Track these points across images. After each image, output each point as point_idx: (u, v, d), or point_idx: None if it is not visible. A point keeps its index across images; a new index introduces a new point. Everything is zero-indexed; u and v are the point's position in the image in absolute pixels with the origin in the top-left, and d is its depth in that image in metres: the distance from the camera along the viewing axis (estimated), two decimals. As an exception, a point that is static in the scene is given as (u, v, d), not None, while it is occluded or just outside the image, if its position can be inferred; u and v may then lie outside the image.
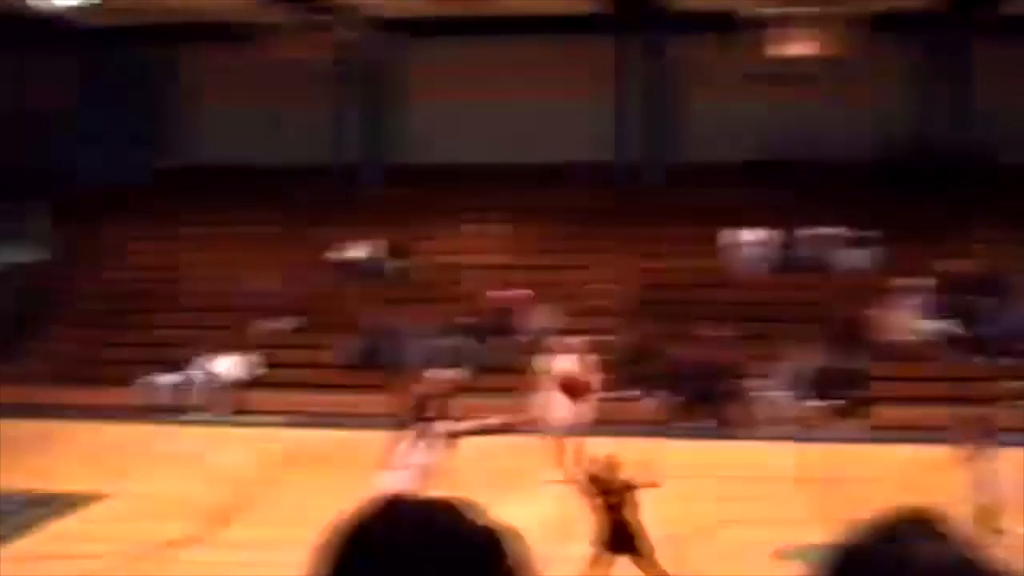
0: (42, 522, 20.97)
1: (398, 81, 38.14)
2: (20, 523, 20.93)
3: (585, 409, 23.70)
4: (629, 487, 14.96)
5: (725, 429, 28.30)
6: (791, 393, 29.01)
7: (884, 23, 31.77)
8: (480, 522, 2.19)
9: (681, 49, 36.06)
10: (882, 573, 1.99)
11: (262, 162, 37.70)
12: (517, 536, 2.23)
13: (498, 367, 31.40)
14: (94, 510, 21.78)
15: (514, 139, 36.61)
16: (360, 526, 2.16)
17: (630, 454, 16.06)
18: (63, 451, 26.41)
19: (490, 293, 32.71)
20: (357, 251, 35.12)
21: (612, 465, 15.07)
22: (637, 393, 29.52)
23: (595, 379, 24.60)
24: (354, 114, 38.37)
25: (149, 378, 31.17)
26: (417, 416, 18.10)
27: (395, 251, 34.95)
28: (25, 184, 37.39)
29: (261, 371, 31.74)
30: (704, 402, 29.00)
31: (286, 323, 33.50)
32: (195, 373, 31.35)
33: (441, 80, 36.94)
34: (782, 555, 18.07)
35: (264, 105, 37.74)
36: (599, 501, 15.10)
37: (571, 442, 22.77)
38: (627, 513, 14.93)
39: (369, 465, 24.11)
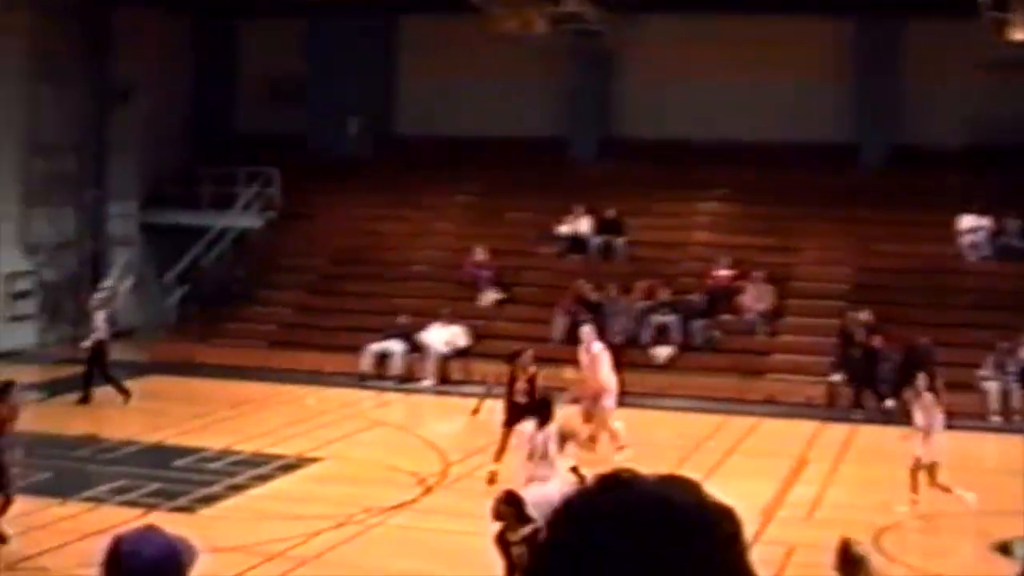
0: (258, 483, 21.60)
1: (616, 55, 38.12)
2: (237, 483, 21.59)
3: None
4: None
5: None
6: (1006, 382, 28.45)
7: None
8: (711, 499, 2.21)
9: (909, 32, 35.40)
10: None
11: (481, 133, 38.03)
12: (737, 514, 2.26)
13: (705, 347, 31.43)
14: (307, 472, 22.37)
15: (731, 117, 36.32)
16: (594, 501, 2.19)
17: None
18: (279, 414, 27.11)
19: (714, 272, 32.65)
20: (566, 225, 35.24)
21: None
22: (838, 378, 29.17)
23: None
24: (571, 86, 38.42)
25: (364, 345, 31.71)
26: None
27: (605, 226, 34.97)
28: (255, 151, 38.38)
29: (469, 342, 32.08)
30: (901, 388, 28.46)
31: (495, 295, 33.81)
32: (406, 342, 31.79)
33: (659, 55, 36.80)
34: (999, 547, 17.87)
35: (484, 77, 38.02)
36: None
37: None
38: None
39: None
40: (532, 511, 14.27)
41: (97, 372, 27.93)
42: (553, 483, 16.57)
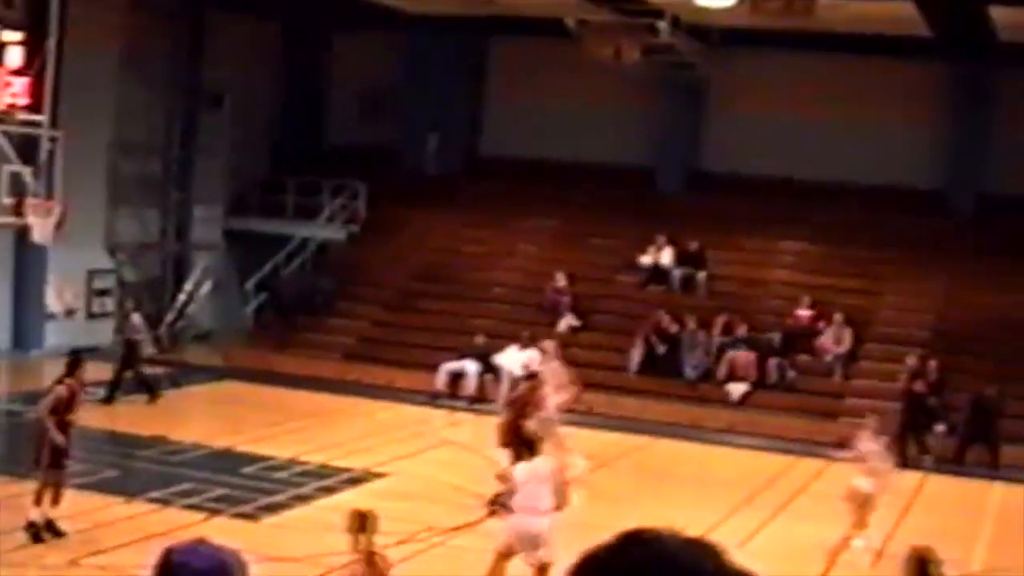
0: (323, 494, 21.59)
1: (707, 88, 38.00)
2: (303, 494, 21.60)
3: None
4: None
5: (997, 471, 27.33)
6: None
7: None
8: (733, 567, 2.16)
9: (1001, 79, 35.02)
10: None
11: (568, 158, 38.02)
12: None
13: (779, 386, 31.21)
14: (373, 487, 22.32)
15: (820, 156, 36.07)
16: (612, 558, 2.14)
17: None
18: (350, 427, 27.13)
19: (794, 311, 32.42)
20: (648, 256, 35.10)
21: None
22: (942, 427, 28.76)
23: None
24: (661, 117, 38.32)
25: (439, 363, 31.67)
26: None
27: (687, 258, 34.81)
28: (342, 162, 38.54)
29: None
30: (979, 441, 28.08)
31: (572, 321, 33.72)
32: (481, 363, 31.74)
33: (751, 91, 36.65)
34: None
35: (573, 102, 37.99)
36: None
37: None
38: None
39: (640, 473, 24.27)
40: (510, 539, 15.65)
41: (130, 372, 28.08)
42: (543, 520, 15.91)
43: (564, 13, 33.35)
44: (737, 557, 2.18)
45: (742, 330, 31.93)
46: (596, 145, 37.98)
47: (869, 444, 19.86)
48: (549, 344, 25.83)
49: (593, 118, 37.97)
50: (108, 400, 27.50)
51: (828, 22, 31.44)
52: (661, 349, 31.93)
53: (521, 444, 19.28)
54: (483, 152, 40.65)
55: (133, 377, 28.12)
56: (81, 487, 20.39)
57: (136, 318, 29.19)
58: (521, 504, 15.89)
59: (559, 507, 15.86)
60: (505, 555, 16.15)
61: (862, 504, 18.92)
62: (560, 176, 37.94)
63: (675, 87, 37.82)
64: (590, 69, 35.21)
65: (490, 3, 34.55)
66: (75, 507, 19.00)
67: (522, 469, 16.37)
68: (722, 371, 31.47)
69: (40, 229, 26.54)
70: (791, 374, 31.42)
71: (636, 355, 31.96)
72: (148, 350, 29.59)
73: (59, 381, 18.87)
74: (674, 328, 32.19)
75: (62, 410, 18.32)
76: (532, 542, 15.56)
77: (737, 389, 31.06)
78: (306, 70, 41.24)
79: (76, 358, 19.37)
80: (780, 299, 33.73)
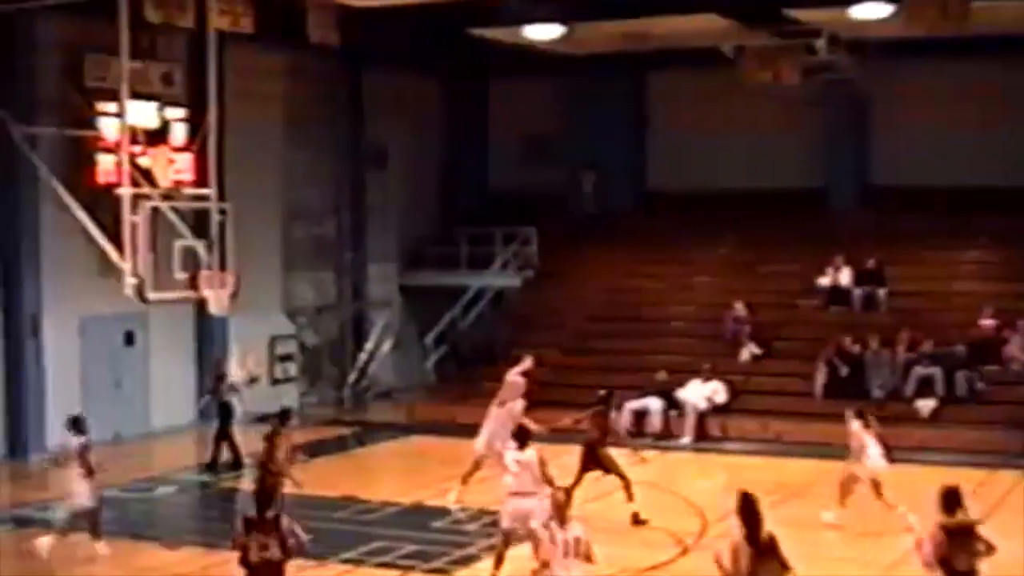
0: (513, 543, 21.44)
1: (872, 102, 37.48)
2: (495, 544, 21.48)
3: None
4: None
5: None
6: None
7: None
8: None
9: None
10: None
11: (737, 185, 37.75)
12: None
13: (969, 399, 30.52)
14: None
15: (992, 163, 35.34)
16: None
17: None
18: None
19: (978, 322, 31.70)
20: (827, 277, 34.61)
21: None
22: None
23: None
24: (827, 136, 37.87)
25: (621, 403, 31.44)
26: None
27: (866, 277, 34.24)
28: (510, 209, 38.67)
29: (728, 398, 31.71)
30: None
31: (754, 350, 33.36)
32: (664, 399, 31.51)
33: (916, 101, 36.07)
34: None
35: (737, 129, 37.74)
36: None
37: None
38: None
39: (831, 498, 23.82)
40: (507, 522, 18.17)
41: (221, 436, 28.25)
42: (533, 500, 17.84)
43: (721, 41, 33.17)
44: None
45: (927, 345, 31.30)
46: (763, 170, 37.66)
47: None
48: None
49: (758, 143, 37.68)
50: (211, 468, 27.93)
51: (983, 25, 30.77)
52: (844, 371, 31.43)
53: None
54: (650, 187, 40.50)
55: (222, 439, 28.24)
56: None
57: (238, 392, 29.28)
58: (515, 489, 18.19)
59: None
60: (506, 541, 18.35)
61: None
62: (730, 204, 37.70)
63: (837, 104, 37.36)
64: (751, 94, 34.93)
65: (647, 37, 34.41)
66: None
67: (512, 456, 18.44)
68: (909, 388, 30.86)
69: (216, 300, 26.89)
70: (980, 386, 30.70)
71: (820, 379, 31.52)
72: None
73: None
74: (856, 348, 31.69)
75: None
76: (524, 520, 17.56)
77: (926, 406, 30.43)
78: (467, 120, 41.52)
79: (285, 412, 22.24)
80: (962, 310, 32.95)
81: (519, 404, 23.79)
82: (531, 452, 18.51)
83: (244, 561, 13.27)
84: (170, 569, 20.26)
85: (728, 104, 37.12)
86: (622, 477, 23.12)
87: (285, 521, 13.54)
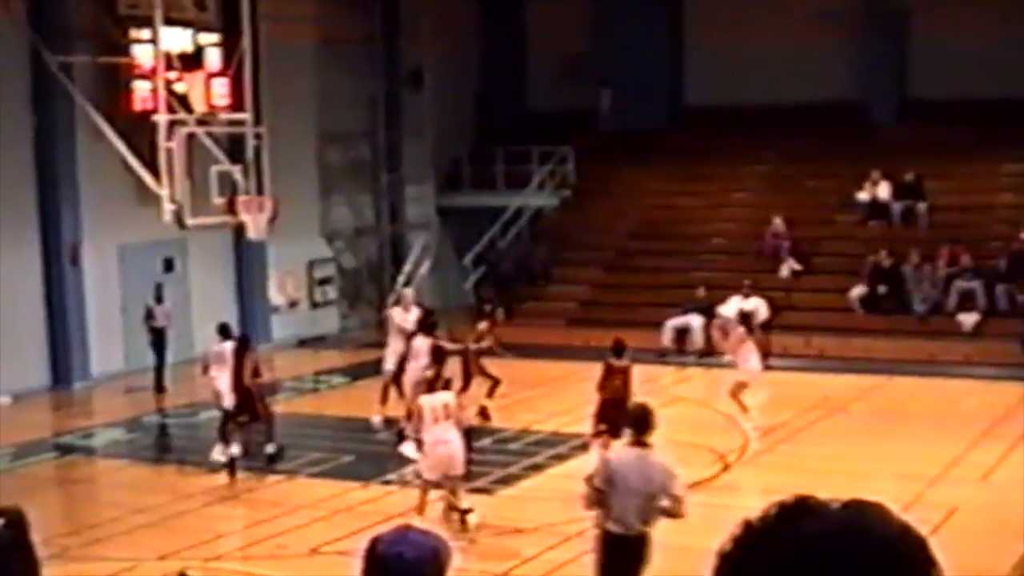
0: (556, 462, 21.55)
1: (911, 14, 37.10)
2: (536, 463, 21.59)
3: None
4: None
5: None
6: None
7: None
8: (903, 526, 1.99)
9: None
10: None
11: (775, 100, 37.43)
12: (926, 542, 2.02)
13: (1010, 312, 30.33)
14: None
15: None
16: (781, 529, 1.98)
17: None
18: (578, 392, 26.87)
19: (1021, 234, 31.44)
20: (865, 192, 34.37)
21: None
22: None
23: None
24: (866, 49, 37.52)
25: (662, 320, 31.43)
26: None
27: (905, 191, 33.98)
28: (547, 128, 38.51)
29: (769, 315, 31.58)
30: None
31: (793, 266, 33.23)
32: (705, 316, 31.43)
33: (955, 13, 35.63)
34: None
35: (775, 43, 37.37)
36: None
37: None
38: None
39: (877, 413, 23.83)
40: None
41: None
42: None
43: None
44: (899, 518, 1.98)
45: (967, 259, 31.10)
46: (801, 84, 37.29)
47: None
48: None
49: (796, 57, 37.31)
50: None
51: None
52: (882, 287, 31.30)
53: None
54: (688, 103, 40.27)
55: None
56: (318, 475, 20.68)
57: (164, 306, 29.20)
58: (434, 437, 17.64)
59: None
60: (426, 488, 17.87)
61: None
62: (768, 119, 37.37)
63: (876, 17, 36.98)
64: (789, 7, 34.62)
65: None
66: (313, 495, 19.28)
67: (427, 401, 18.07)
68: (951, 303, 30.72)
69: (254, 225, 26.93)
70: (1021, 299, 30.51)
71: (861, 294, 31.40)
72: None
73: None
74: (893, 263, 31.52)
75: None
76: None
77: (969, 319, 30.28)
78: (504, 38, 41.24)
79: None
80: (1003, 223, 32.72)
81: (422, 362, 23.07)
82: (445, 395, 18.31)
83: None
84: (216, 492, 20.39)
85: (766, 17, 36.79)
86: (492, 378, 24.42)
87: None
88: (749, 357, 23.07)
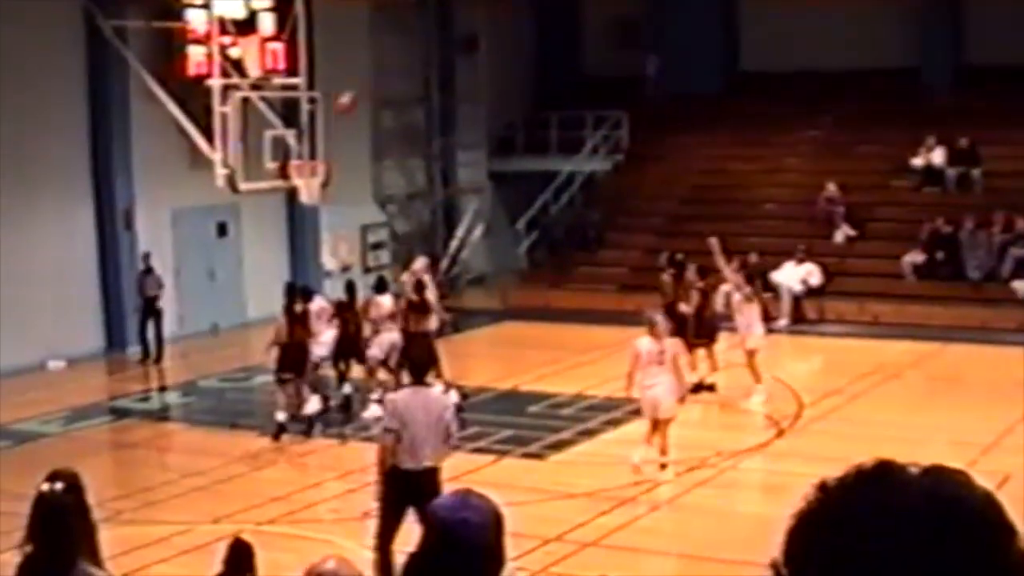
0: (609, 427, 21.55)
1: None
2: (589, 428, 21.59)
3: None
4: None
5: None
6: None
7: None
8: (985, 492, 1.93)
9: None
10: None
11: (830, 66, 37.18)
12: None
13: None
14: (657, 416, 22.13)
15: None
16: (858, 491, 1.92)
17: None
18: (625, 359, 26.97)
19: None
20: (920, 157, 34.11)
21: None
22: None
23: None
24: (921, 14, 37.22)
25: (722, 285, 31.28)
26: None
27: (960, 157, 33.69)
28: (601, 93, 38.39)
29: (822, 280, 31.45)
30: None
31: (847, 231, 33.04)
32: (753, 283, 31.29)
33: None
34: None
35: (830, 8, 37.10)
36: None
37: None
38: None
39: (931, 380, 23.69)
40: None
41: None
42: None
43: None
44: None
45: (1022, 225, 30.83)
46: (856, 50, 37.01)
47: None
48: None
49: (851, 22, 37.03)
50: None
51: None
52: (940, 254, 31.09)
53: None
54: (742, 67, 40.05)
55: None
56: (370, 439, 20.71)
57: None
58: None
59: None
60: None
61: None
62: (822, 85, 37.16)
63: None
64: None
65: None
66: (364, 460, 19.29)
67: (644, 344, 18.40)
68: (1005, 269, 30.48)
69: (307, 189, 26.96)
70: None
71: (916, 260, 31.20)
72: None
73: None
74: (951, 229, 31.30)
75: None
76: None
77: (1023, 286, 30.03)
78: (558, 3, 41.10)
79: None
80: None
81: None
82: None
83: None
84: (267, 456, 20.49)
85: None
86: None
87: None
88: (753, 323, 22.97)
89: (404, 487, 13.32)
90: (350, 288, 23.59)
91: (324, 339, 22.42)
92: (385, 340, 22.50)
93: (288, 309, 21.59)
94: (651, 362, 18.13)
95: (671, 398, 18.14)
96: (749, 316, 23.16)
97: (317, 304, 22.79)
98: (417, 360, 14.80)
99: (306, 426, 21.33)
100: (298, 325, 21.39)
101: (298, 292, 22.25)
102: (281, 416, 21.04)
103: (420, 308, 22.59)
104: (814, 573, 1.87)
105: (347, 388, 22.91)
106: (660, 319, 19.18)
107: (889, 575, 1.83)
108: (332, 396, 22.59)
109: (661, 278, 25.39)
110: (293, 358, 21.21)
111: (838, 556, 1.86)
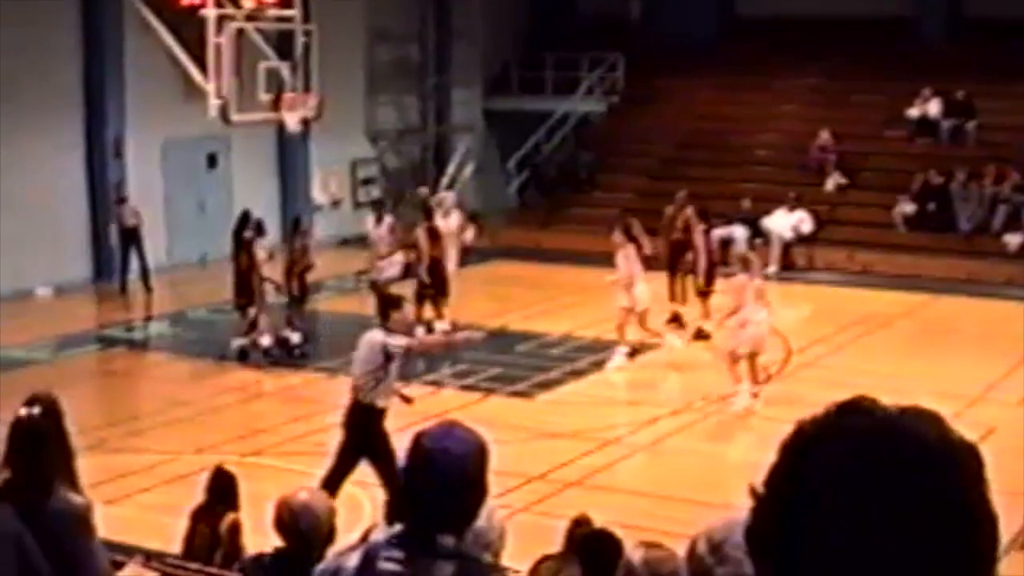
0: (597, 369, 21.62)
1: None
2: (577, 368, 21.63)
3: None
4: None
5: None
6: None
7: None
8: (956, 435, 1.95)
9: None
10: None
11: (826, 13, 36.99)
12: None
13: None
14: (646, 359, 22.23)
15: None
16: (833, 424, 1.94)
17: None
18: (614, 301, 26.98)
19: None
20: (915, 108, 34.03)
21: None
22: None
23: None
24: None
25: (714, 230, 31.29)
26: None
27: (955, 108, 33.61)
28: (598, 35, 38.22)
29: (814, 228, 31.44)
30: None
31: (839, 179, 33.00)
32: (749, 227, 31.28)
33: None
34: None
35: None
36: None
37: None
38: None
39: (919, 331, 23.70)
40: None
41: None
42: None
43: None
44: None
45: (1014, 178, 30.81)
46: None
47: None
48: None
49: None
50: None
51: None
52: (931, 205, 31.07)
53: None
54: (738, 13, 39.85)
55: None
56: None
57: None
58: None
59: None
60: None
61: None
62: (819, 32, 36.95)
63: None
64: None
65: None
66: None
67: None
68: (997, 222, 30.47)
69: (293, 121, 26.90)
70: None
71: (907, 211, 31.18)
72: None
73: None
74: (942, 180, 31.26)
75: None
76: None
77: (1014, 240, 30.02)
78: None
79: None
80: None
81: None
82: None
83: None
84: (255, 387, 20.51)
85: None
86: None
87: None
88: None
89: (367, 420, 14.15)
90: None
91: (396, 259, 24.37)
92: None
93: (236, 235, 22.09)
94: (753, 299, 18.95)
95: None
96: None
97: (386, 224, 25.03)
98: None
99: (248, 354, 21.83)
100: (244, 253, 21.76)
101: (248, 220, 22.40)
102: (237, 342, 21.81)
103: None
104: (785, 494, 1.91)
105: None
106: (753, 256, 19.65)
107: (849, 501, 1.86)
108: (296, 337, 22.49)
109: (666, 211, 25.43)
110: (239, 284, 21.80)
111: (807, 480, 1.90)
